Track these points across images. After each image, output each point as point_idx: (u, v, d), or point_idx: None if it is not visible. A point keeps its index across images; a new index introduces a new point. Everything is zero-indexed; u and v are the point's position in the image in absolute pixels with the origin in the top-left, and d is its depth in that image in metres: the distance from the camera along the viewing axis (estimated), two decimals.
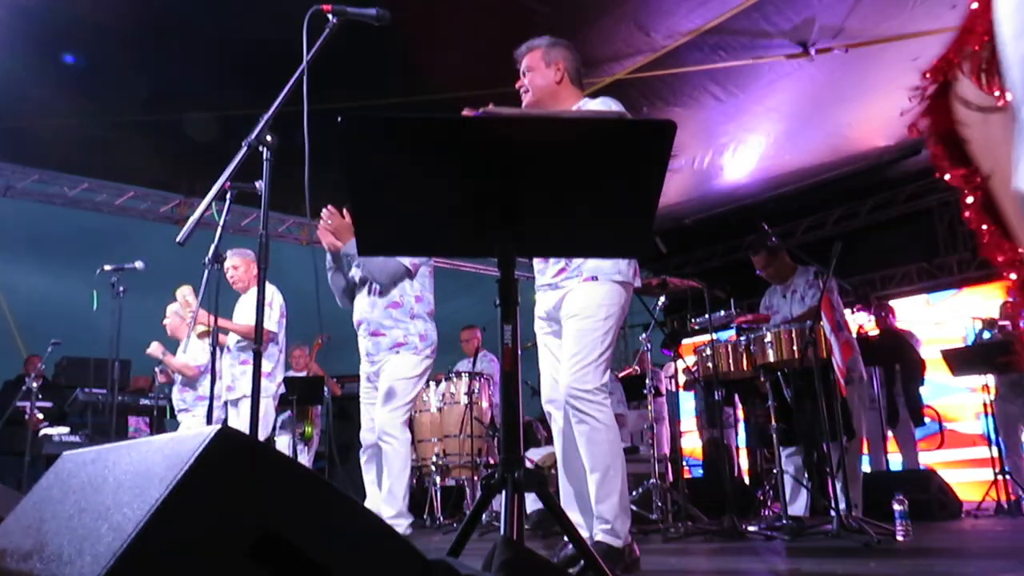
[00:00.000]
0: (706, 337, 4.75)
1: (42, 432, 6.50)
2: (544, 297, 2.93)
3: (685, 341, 7.38)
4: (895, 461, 6.65)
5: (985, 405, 5.84)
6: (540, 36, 2.99)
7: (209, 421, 3.89)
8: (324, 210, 4.05)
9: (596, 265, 2.78)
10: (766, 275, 5.08)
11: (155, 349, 5.45)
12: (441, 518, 6.13)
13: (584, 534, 2.71)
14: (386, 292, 4.01)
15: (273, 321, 4.86)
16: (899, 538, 3.51)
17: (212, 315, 3.73)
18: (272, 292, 4.93)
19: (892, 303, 7.11)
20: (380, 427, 3.86)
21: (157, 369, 5.96)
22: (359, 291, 4.13)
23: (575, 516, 2.80)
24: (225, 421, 4.86)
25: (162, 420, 6.69)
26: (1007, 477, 5.58)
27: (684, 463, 7.19)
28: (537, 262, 2.99)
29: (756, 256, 5.05)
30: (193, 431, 1.09)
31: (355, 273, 4.18)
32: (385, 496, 3.84)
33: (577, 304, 2.77)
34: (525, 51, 2.98)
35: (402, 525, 3.80)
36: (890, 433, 6.46)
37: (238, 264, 4.91)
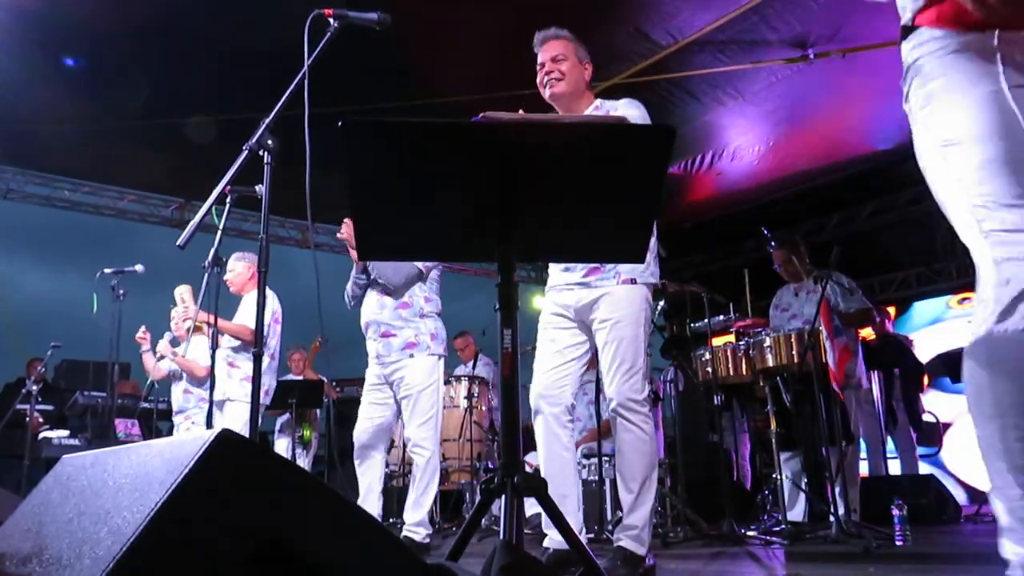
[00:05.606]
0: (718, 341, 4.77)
1: (42, 435, 6.48)
2: (568, 295, 2.79)
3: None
4: (894, 466, 6.63)
5: None
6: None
7: (209, 425, 3.88)
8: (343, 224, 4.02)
9: (631, 266, 2.69)
10: (784, 272, 5.12)
11: (164, 347, 5.42)
12: (440, 522, 6.11)
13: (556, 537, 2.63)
14: (398, 295, 4.01)
15: (264, 326, 4.81)
16: (898, 543, 3.51)
17: (211, 315, 3.72)
18: (269, 297, 4.90)
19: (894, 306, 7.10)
20: (411, 440, 3.89)
21: (157, 361, 5.81)
22: (367, 293, 4.12)
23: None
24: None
25: (150, 423, 6.64)
26: None
27: None
28: None
29: (778, 251, 5.12)
30: (192, 434, 1.09)
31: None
32: (411, 504, 3.88)
33: (619, 309, 2.69)
34: (553, 36, 2.84)
35: (420, 534, 3.83)
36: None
37: (233, 267, 4.92)
